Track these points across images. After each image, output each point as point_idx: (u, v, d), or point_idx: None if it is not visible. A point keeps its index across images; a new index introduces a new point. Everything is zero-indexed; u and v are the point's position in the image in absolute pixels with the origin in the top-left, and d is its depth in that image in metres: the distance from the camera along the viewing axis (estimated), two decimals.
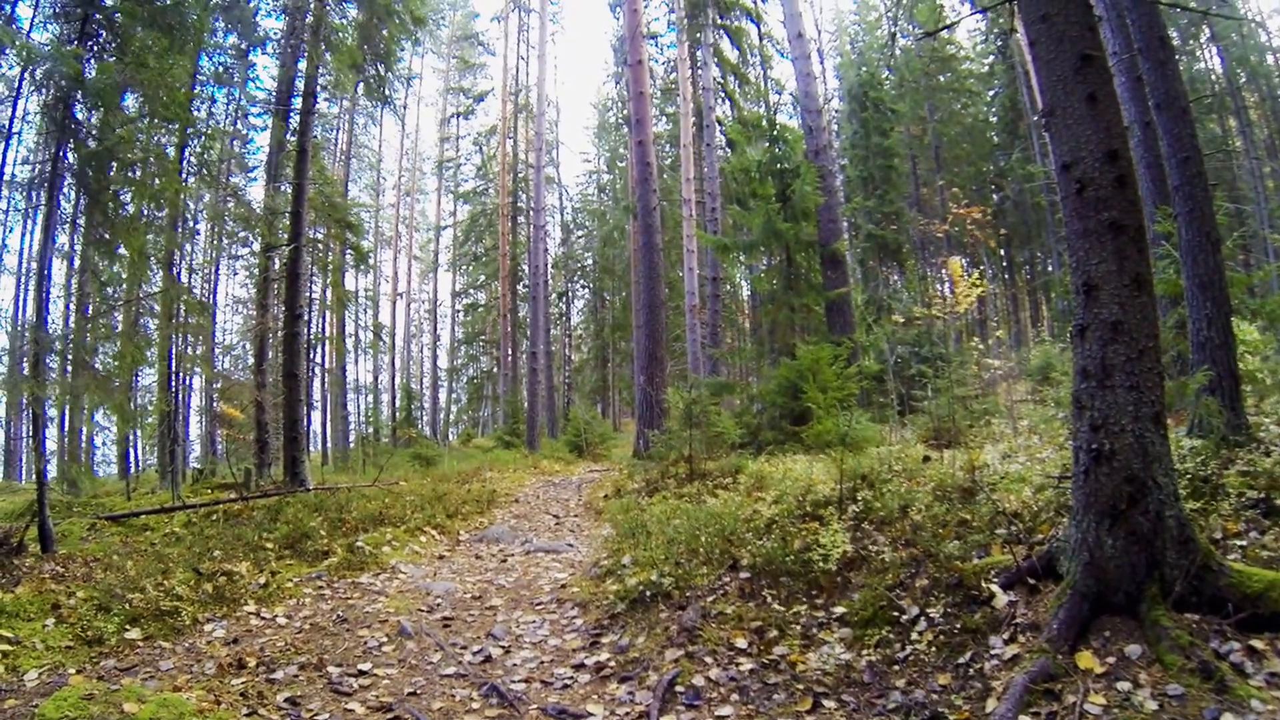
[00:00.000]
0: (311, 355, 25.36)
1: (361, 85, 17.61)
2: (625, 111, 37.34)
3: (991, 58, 39.39)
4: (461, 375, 47.99)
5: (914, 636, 5.00)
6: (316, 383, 30.42)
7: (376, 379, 41.09)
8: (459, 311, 48.27)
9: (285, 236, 16.87)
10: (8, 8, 10.33)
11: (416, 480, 16.24)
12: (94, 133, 10.09)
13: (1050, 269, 37.10)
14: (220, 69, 18.06)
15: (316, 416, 32.29)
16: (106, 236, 10.68)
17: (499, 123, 41.62)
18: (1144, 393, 4.66)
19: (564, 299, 50.25)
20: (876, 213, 31.41)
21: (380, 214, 44.41)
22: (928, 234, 33.00)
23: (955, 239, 35.41)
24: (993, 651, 4.62)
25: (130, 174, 10.71)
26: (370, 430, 30.02)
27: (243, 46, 18.66)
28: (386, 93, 18.76)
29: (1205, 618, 4.38)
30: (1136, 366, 4.67)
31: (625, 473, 15.07)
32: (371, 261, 30.69)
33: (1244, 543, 5.11)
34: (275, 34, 18.35)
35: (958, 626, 4.92)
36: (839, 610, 5.54)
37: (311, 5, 16.37)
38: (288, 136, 18.22)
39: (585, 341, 54.03)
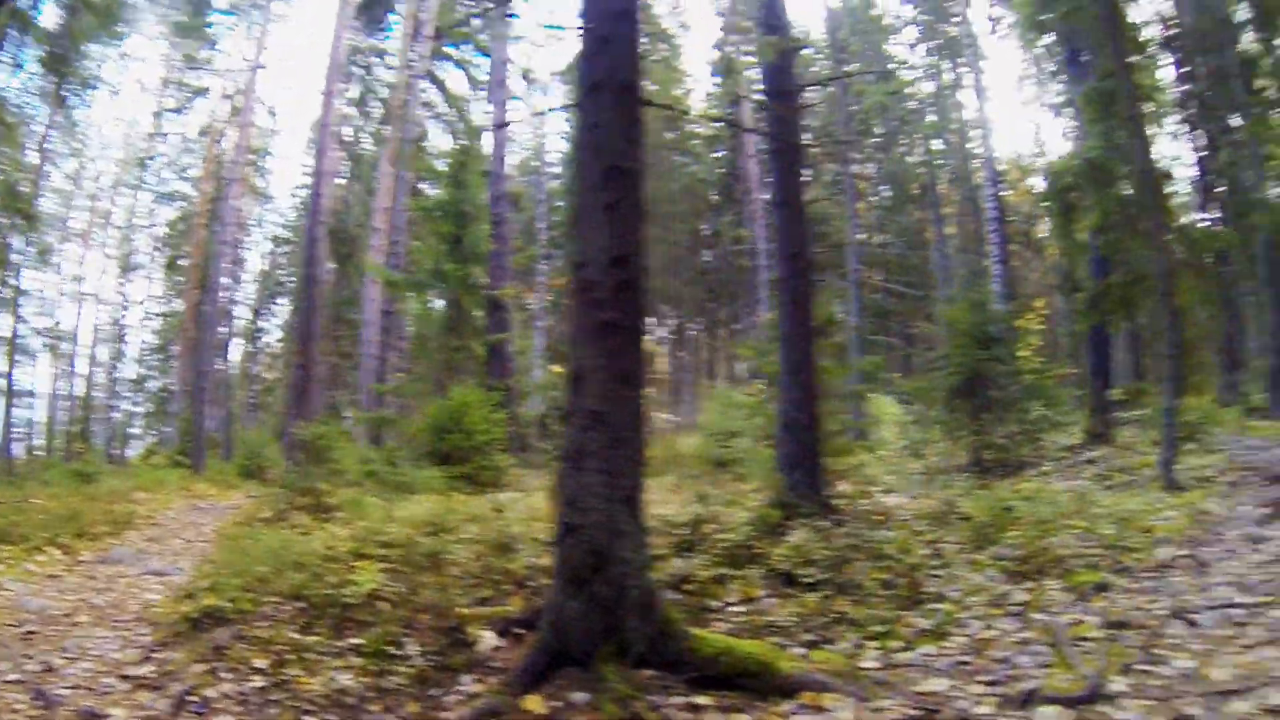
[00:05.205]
0: None
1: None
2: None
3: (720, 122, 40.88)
4: (148, 387, 45.83)
5: (405, 669, 5.64)
6: None
7: (54, 387, 38.83)
8: (150, 319, 46.14)
9: None
10: None
11: (60, 498, 15.80)
12: None
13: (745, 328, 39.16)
14: None
15: None
16: None
17: (210, 124, 40.18)
18: (617, 477, 5.20)
19: (260, 315, 48.92)
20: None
21: (76, 207, 41.88)
22: None
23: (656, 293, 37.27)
24: (460, 687, 5.29)
25: None
26: (39, 442, 28.45)
27: None
28: (75, 81, 18.24)
29: (663, 675, 5.07)
30: (612, 453, 5.20)
31: (260, 502, 15.29)
32: (56, 258, 29.16)
33: (744, 609, 6.07)
34: None
35: (443, 664, 5.61)
36: (355, 641, 6.12)
37: None
38: None
39: (283, 359, 52.56)
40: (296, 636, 6.34)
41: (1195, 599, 6.52)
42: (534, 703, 4.86)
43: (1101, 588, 6.95)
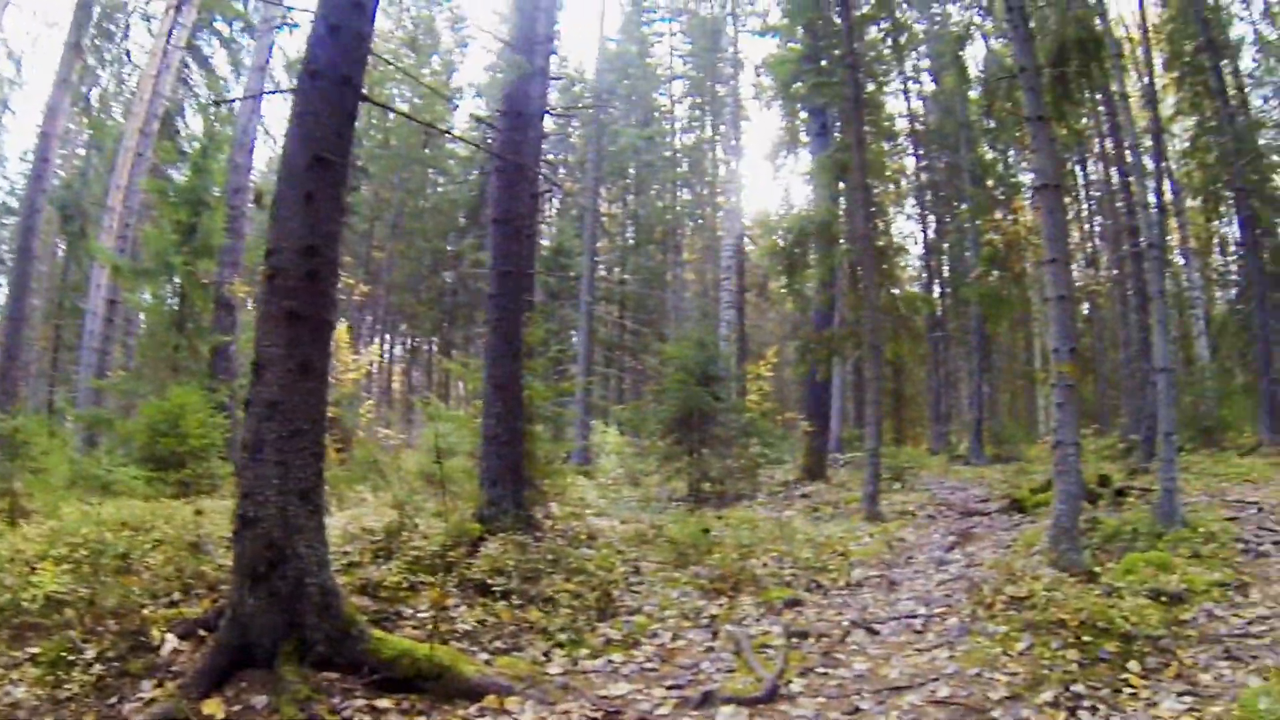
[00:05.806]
0: None
1: None
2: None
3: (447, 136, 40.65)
4: None
5: (85, 677, 5.29)
6: None
7: None
8: None
9: None
10: None
11: None
12: None
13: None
14: None
15: None
16: None
17: None
18: (292, 469, 5.12)
19: None
20: None
21: None
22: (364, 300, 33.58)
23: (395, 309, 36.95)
24: (139, 694, 5.03)
25: None
26: None
27: None
28: None
29: (345, 677, 5.05)
30: (288, 444, 5.10)
31: None
32: None
33: (434, 616, 6.09)
34: None
35: (124, 670, 5.30)
36: (32, 650, 5.68)
37: None
38: None
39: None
40: None
41: (881, 612, 7.24)
42: (213, 706, 4.72)
43: (794, 603, 7.57)
